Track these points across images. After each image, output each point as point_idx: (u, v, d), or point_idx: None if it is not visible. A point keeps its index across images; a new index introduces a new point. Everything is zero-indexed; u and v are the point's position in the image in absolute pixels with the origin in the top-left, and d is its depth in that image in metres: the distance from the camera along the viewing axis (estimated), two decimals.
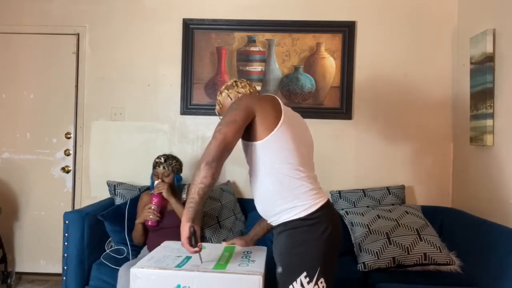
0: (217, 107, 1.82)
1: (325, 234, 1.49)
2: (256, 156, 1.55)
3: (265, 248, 1.76)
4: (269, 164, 1.53)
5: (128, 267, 2.22)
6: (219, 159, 1.42)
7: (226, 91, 1.76)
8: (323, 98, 3.07)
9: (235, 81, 1.79)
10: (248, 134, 1.55)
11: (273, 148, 1.53)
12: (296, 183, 1.52)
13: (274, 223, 1.59)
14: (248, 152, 1.59)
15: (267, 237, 1.85)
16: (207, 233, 2.67)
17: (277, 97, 1.63)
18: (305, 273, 1.44)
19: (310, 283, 1.44)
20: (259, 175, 1.56)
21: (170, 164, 2.54)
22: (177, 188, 2.61)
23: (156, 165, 2.54)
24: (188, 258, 1.56)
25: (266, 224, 1.74)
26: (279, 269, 1.50)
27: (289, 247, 1.50)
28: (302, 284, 1.44)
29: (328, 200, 1.58)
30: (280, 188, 1.52)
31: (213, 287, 1.43)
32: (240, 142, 1.57)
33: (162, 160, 2.54)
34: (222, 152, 1.43)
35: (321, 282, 1.45)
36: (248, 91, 1.74)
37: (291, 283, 1.45)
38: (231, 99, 1.73)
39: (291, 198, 1.51)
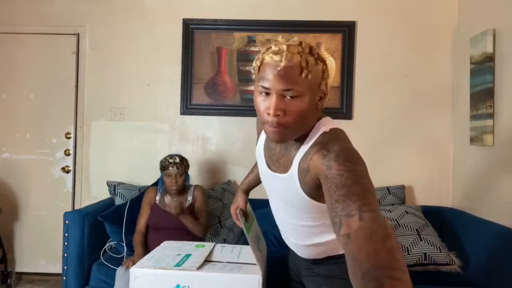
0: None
1: None
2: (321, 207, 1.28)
3: (265, 246, 1.76)
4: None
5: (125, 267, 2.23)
6: None
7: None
8: None
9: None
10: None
11: None
12: None
13: (317, 257, 1.42)
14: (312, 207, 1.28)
15: (268, 237, 1.84)
16: (208, 233, 2.67)
17: None
18: None
19: None
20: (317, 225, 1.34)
21: (182, 163, 2.48)
22: (186, 187, 2.57)
23: (169, 165, 2.45)
24: (188, 256, 1.56)
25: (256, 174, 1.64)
26: None
27: (343, 273, 1.24)
28: None
29: None
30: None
31: (213, 287, 1.43)
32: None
33: (178, 160, 2.47)
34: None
35: None
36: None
37: None
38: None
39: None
